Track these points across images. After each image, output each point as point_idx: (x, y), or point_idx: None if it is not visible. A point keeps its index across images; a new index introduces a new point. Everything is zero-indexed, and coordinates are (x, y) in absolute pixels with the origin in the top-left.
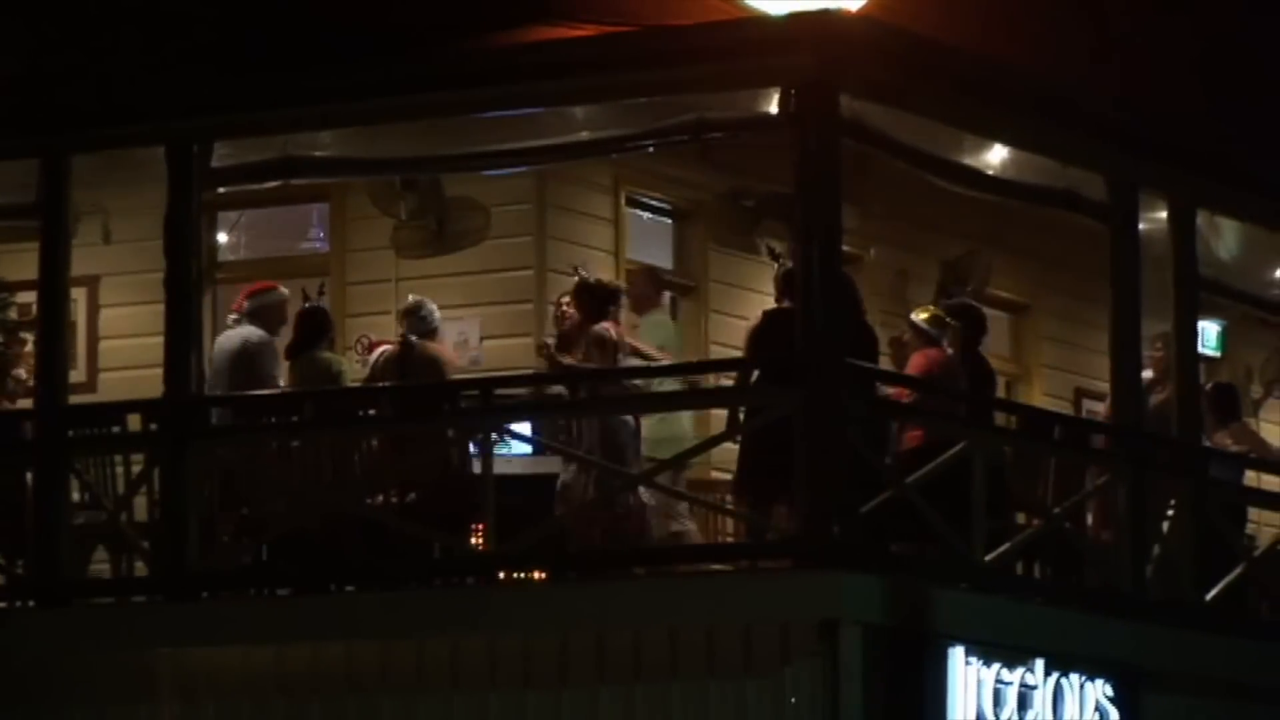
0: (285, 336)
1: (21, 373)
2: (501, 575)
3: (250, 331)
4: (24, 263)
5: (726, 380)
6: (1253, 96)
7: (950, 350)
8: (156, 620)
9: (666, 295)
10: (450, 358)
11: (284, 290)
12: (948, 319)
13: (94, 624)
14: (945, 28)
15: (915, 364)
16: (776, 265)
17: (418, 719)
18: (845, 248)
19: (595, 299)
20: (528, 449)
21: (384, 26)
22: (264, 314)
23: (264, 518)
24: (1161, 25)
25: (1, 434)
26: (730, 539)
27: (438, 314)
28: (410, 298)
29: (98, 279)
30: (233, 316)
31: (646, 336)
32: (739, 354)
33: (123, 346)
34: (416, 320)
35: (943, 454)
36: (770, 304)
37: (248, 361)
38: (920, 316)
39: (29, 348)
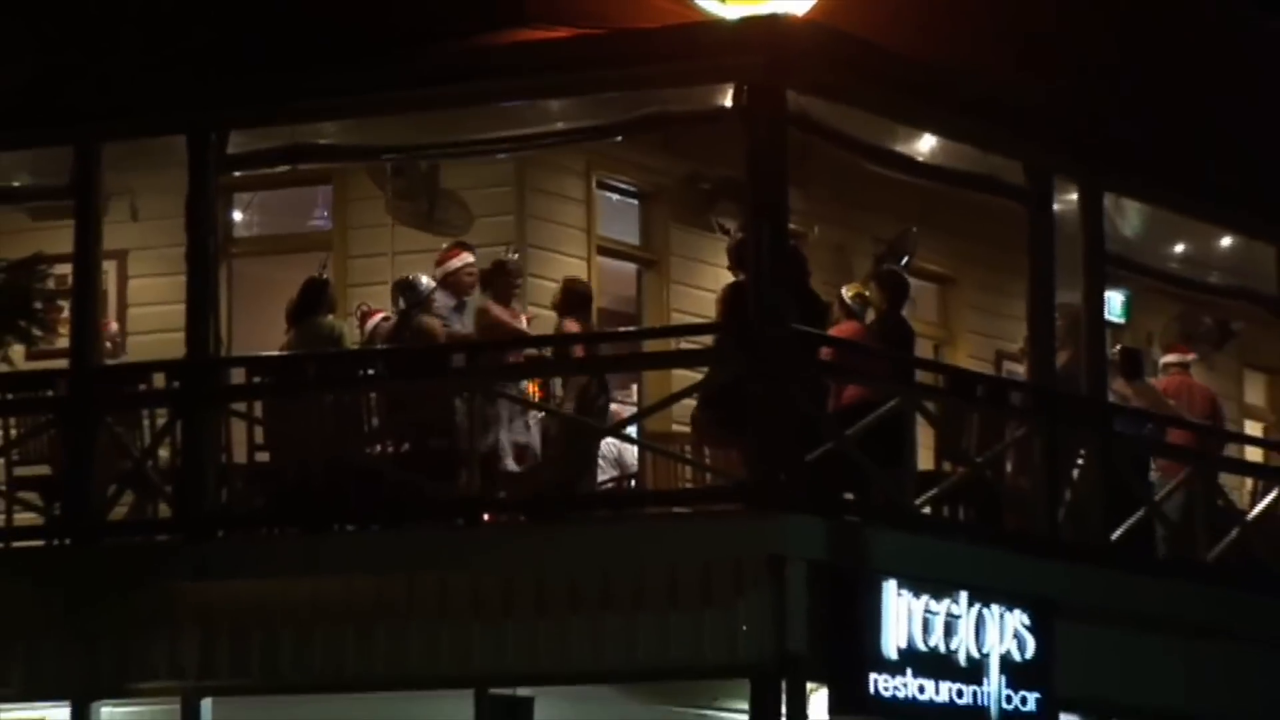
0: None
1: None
2: (485, 518)
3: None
4: (60, 238)
5: (689, 344)
6: (1164, 89)
7: (869, 323)
8: (178, 557)
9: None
10: (439, 331)
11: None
12: (868, 293)
13: (122, 560)
14: (886, 30)
15: (836, 334)
16: (728, 238)
17: (409, 646)
18: (791, 226)
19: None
20: None
21: (376, 30)
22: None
23: (275, 465)
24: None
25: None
26: (689, 485)
27: (428, 286)
28: (409, 276)
29: (126, 253)
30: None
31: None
32: (698, 320)
33: (149, 313)
34: (410, 293)
35: (877, 409)
36: (724, 275)
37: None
38: (848, 293)
39: (65, 314)
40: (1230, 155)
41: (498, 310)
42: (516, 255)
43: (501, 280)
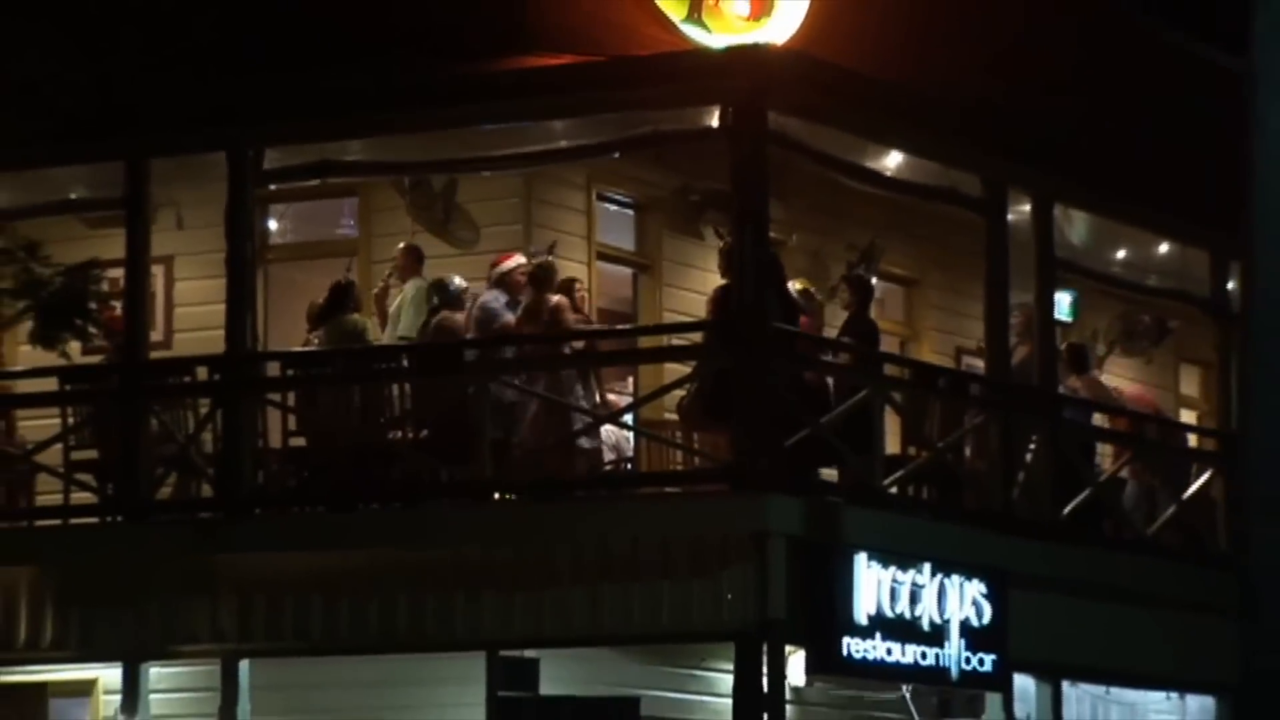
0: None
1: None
2: (495, 496)
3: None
4: (113, 245)
5: (679, 340)
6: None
7: (811, 318)
8: (218, 532)
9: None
10: (465, 327)
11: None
12: (813, 290)
13: (167, 536)
14: (858, 55)
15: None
16: (722, 243)
17: (426, 612)
18: (772, 234)
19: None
20: None
21: (397, 55)
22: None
23: (306, 448)
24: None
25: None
26: (679, 468)
27: (461, 285)
28: (443, 277)
29: (173, 258)
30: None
31: (411, 298)
32: (687, 318)
33: (192, 313)
34: (444, 293)
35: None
36: (711, 278)
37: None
38: (794, 288)
39: (118, 313)
40: (1167, 169)
41: (569, 311)
42: (553, 258)
43: (553, 280)
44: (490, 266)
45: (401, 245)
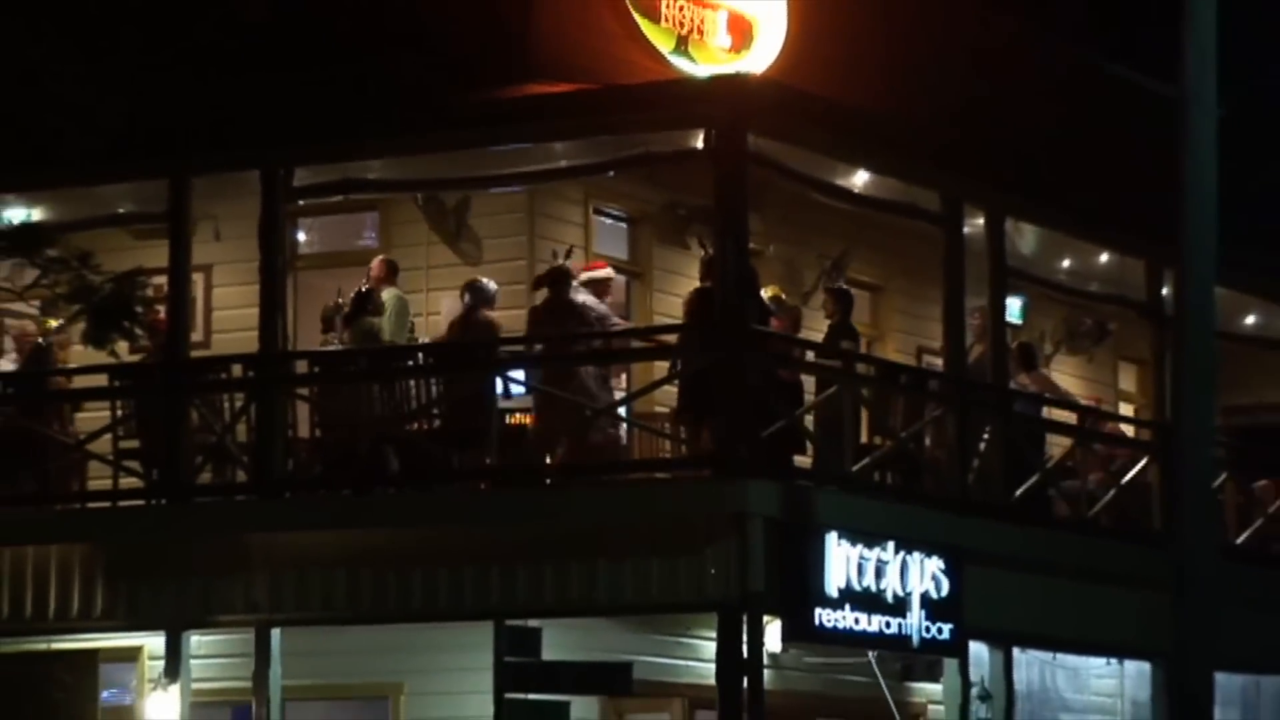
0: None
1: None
2: (501, 482)
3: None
4: (157, 254)
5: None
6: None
7: (783, 320)
8: (252, 513)
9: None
10: (499, 323)
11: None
12: (784, 297)
13: (206, 516)
14: (829, 83)
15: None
16: (705, 253)
17: (439, 585)
18: (751, 245)
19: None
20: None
21: (413, 83)
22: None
23: (330, 438)
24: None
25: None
26: (668, 455)
27: (493, 287)
28: (477, 279)
29: (211, 266)
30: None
31: (393, 308)
32: (674, 321)
33: (229, 315)
34: (477, 292)
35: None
36: (696, 284)
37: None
38: (766, 294)
39: (161, 316)
40: (1108, 186)
41: (596, 305)
42: (571, 260)
43: (598, 285)
44: (581, 269)
45: (379, 258)
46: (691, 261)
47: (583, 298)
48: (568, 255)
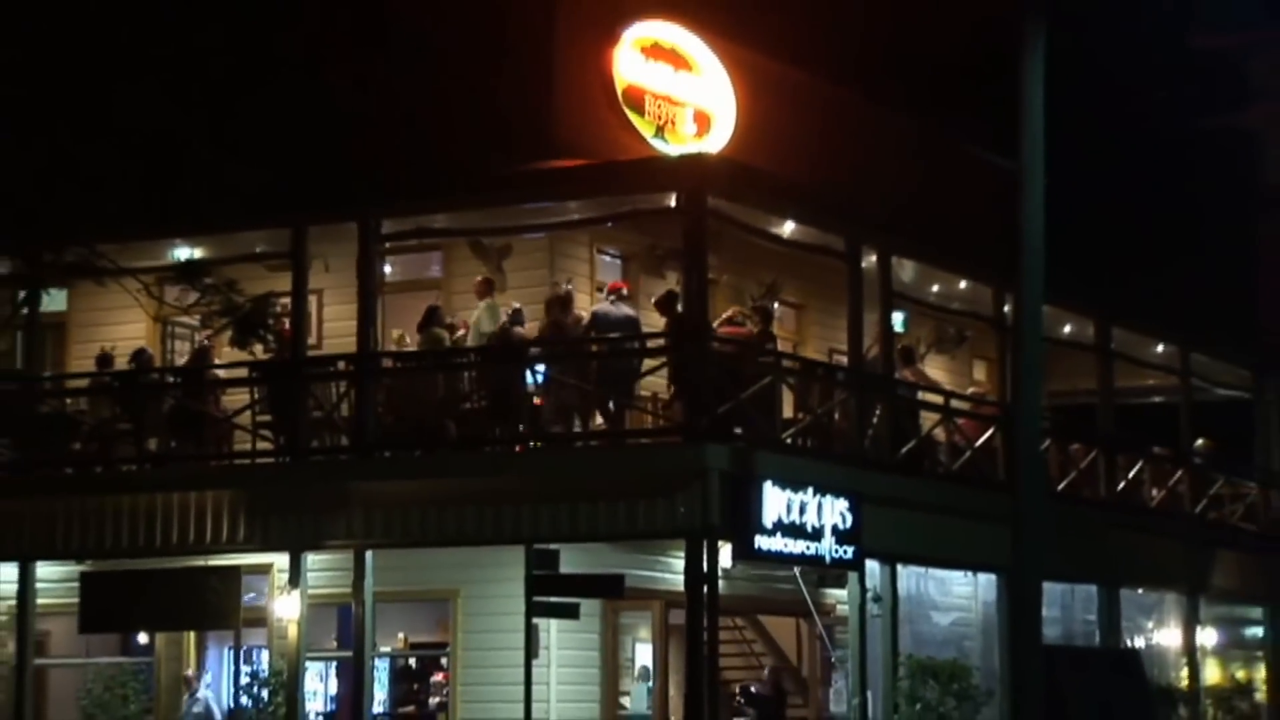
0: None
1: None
2: (532, 444)
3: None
4: (284, 282)
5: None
6: (931, 189)
7: (751, 328)
8: (351, 468)
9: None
10: (528, 334)
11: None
12: (746, 313)
13: (318, 470)
14: (767, 155)
15: (724, 334)
16: (676, 281)
17: (485, 518)
18: (710, 275)
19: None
20: None
21: (461, 161)
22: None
23: (407, 414)
24: (888, 147)
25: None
26: (650, 426)
27: (523, 311)
28: (560, 293)
29: (322, 291)
30: (612, 297)
31: (484, 311)
32: (655, 330)
33: (336, 326)
34: (516, 314)
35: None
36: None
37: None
38: (728, 314)
39: (287, 326)
40: (966, 231)
41: (612, 311)
42: (570, 287)
43: (573, 303)
44: (608, 289)
45: (479, 276)
46: (666, 288)
47: (608, 307)
48: (568, 284)
